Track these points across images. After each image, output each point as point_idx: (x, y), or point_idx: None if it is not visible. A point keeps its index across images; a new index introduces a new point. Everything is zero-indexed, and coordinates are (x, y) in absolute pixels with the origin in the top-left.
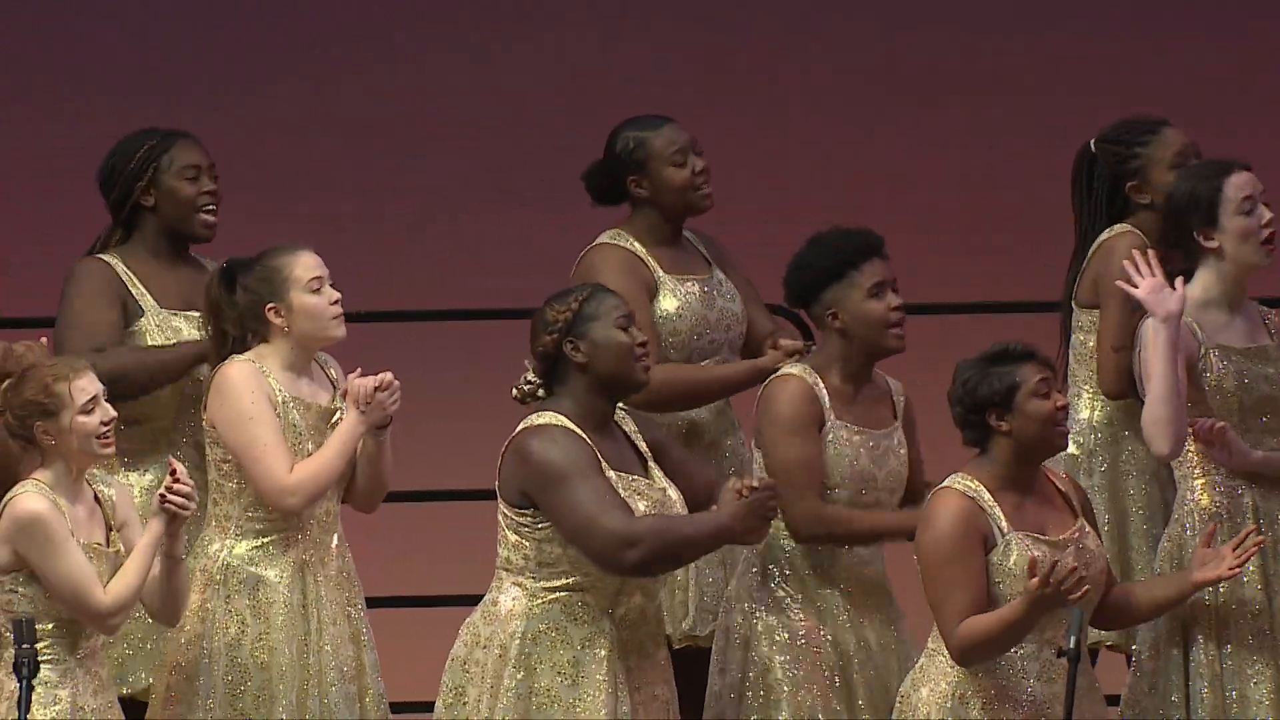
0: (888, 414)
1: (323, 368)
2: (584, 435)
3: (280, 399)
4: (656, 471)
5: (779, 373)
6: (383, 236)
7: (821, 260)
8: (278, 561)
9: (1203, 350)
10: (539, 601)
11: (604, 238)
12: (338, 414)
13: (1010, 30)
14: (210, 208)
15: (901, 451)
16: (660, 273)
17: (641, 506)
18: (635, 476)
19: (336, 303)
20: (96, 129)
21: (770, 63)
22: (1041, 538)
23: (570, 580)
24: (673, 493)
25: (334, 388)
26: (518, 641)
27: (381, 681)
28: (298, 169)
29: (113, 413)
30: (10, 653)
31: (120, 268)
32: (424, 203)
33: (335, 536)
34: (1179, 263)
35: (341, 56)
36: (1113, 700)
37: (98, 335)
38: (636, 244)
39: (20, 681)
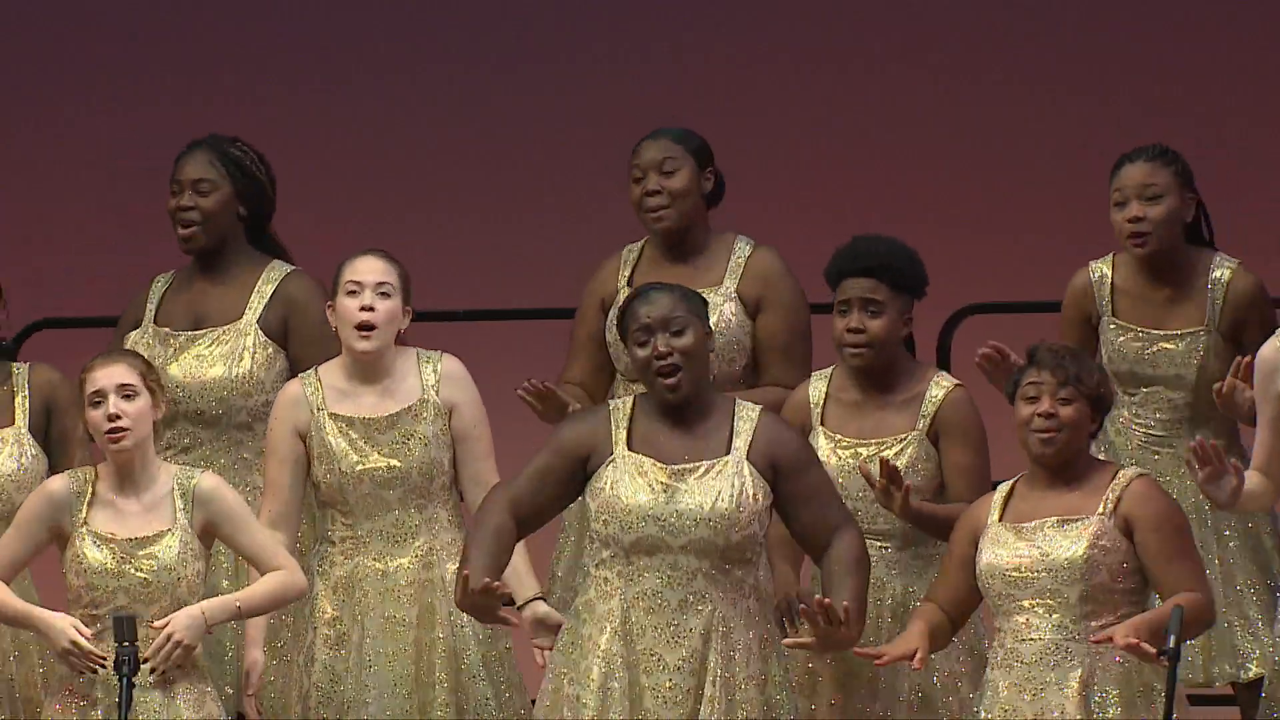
0: (902, 424)
1: (425, 367)
2: (618, 415)
3: (317, 421)
4: (726, 471)
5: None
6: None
7: (826, 273)
8: (327, 574)
9: None
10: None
11: (634, 243)
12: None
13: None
14: (182, 221)
15: (901, 462)
16: (621, 285)
17: (642, 498)
18: (657, 463)
19: (365, 310)
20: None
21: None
22: (1014, 525)
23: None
24: (711, 500)
25: (427, 392)
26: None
27: (484, 685)
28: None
29: (121, 410)
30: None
31: (158, 286)
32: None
33: (420, 546)
34: None
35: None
36: (1211, 700)
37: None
38: (637, 252)
39: (121, 680)
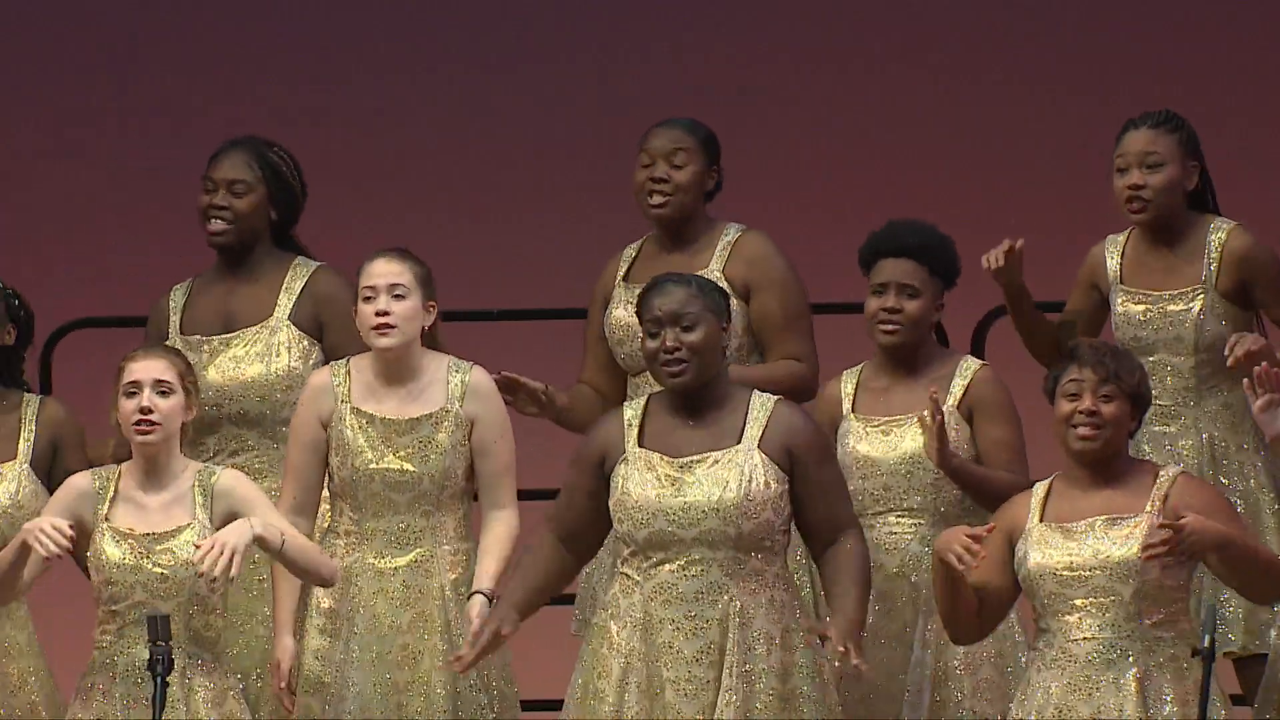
0: (929, 403)
1: (453, 377)
2: (630, 416)
3: (339, 413)
4: (736, 460)
5: None
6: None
7: (860, 253)
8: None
9: None
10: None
11: (636, 241)
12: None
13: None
14: (213, 219)
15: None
16: (619, 280)
17: (651, 493)
18: (665, 457)
19: (381, 314)
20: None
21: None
22: (1059, 526)
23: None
24: (719, 490)
25: (451, 401)
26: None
27: (480, 695)
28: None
29: (154, 404)
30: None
31: (176, 296)
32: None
33: (421, 552)
34: None
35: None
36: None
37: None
38: (636, 249)
39: (155, 679)
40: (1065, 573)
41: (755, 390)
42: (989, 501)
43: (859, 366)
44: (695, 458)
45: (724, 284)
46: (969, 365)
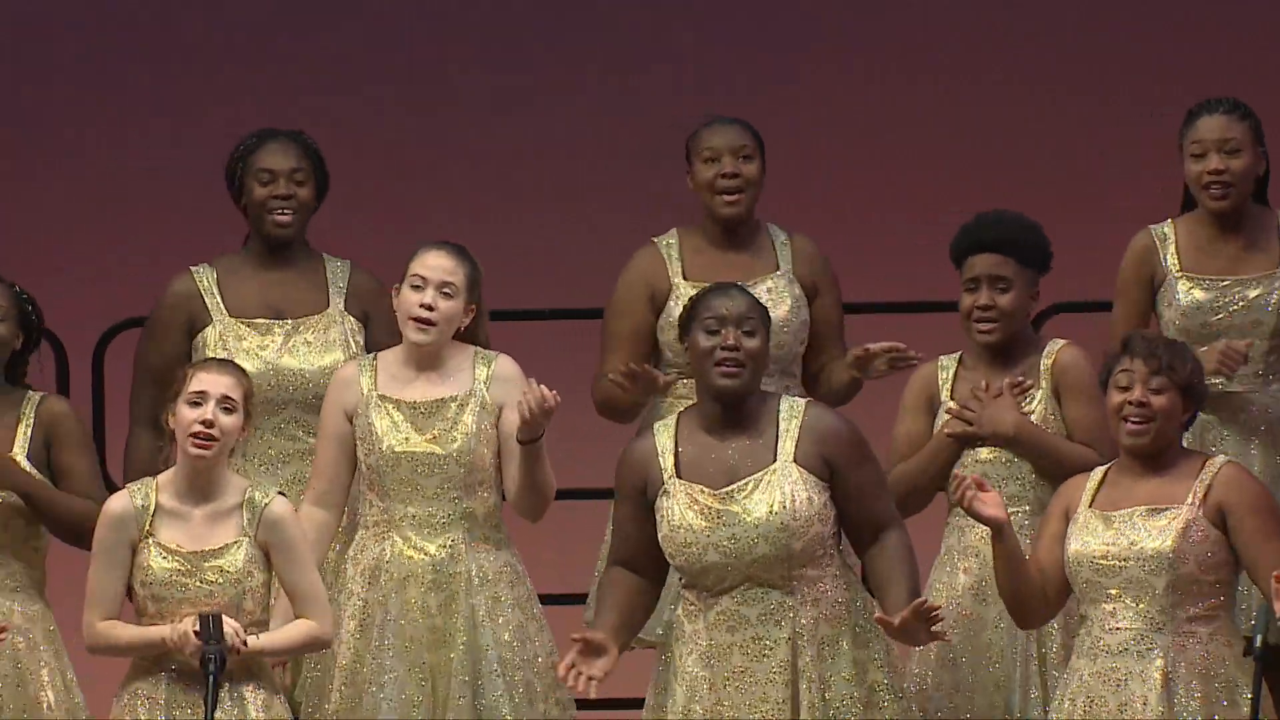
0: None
1: (479, 365)
2: (662, 440)
3: (364, 401)
4: (775, 480)
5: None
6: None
7: (950, 249)
8: (359, 559)
9: None
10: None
11: (660, 236)
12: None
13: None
14: (280, 210)
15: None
16: (678, 279)
17: (698, 528)
18: (705, 489)
19: (425, 307)
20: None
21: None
22: (1103, 513)
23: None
24: (764, 515)
25: (477, 386)
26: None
27: (500, 682)
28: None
29: (216, 419)
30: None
31: (207, 278)
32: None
33: (450, 539)
34: None
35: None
36: None
37: (151, 372)
38: (676, 245)
39: (208, 678)
40: (1101, 561)
41: (783, 397)
42: (1056, 471)
43: (956, 354)
44: (736, 485)
45: (796, 286)
46: (1053, 345)
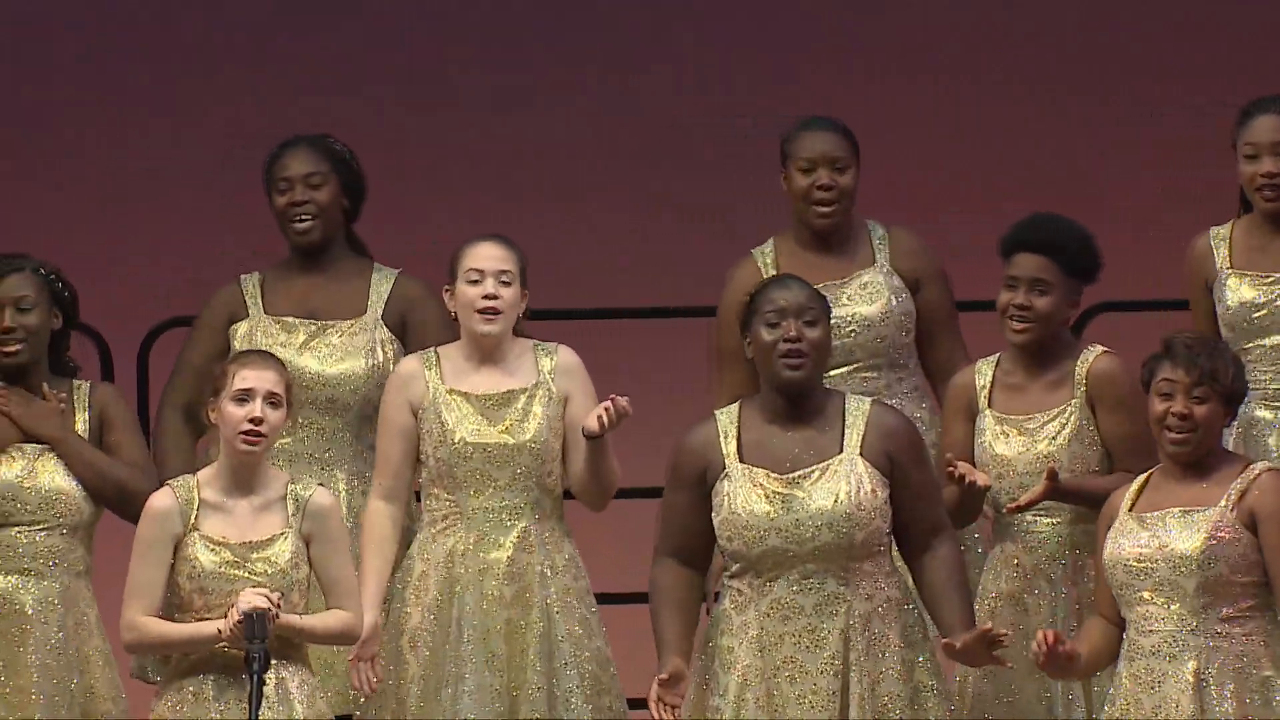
0: (1063, 396)
1: (542, 357)
2: (724, 425)
3: (432, 396)
4: (841, 470)
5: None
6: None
7: (1000, 243)
8: (428, 555)
9: None
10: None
11: (757, 247)
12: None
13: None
14: (298, 217)
15: (1062, 436)
16: None
17: (761, 511)
18: (770, 473)
19: (489, 298)
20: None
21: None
22: (1139, 515)
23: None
24: (830, 503)
25: (543, 377)
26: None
27: (573, 675)
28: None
29: (264, 415)
30: None
31: (252, 283)
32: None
33: (522, 530)
34: None
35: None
36: None
37: (186, 367)
38: (772, 254)
39: (252, 676)
40: (1134, 563)
41: (848, 395)
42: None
43: (995, 357)
44: (802, 471)
45: (895, 278)
46: (1089, 355)
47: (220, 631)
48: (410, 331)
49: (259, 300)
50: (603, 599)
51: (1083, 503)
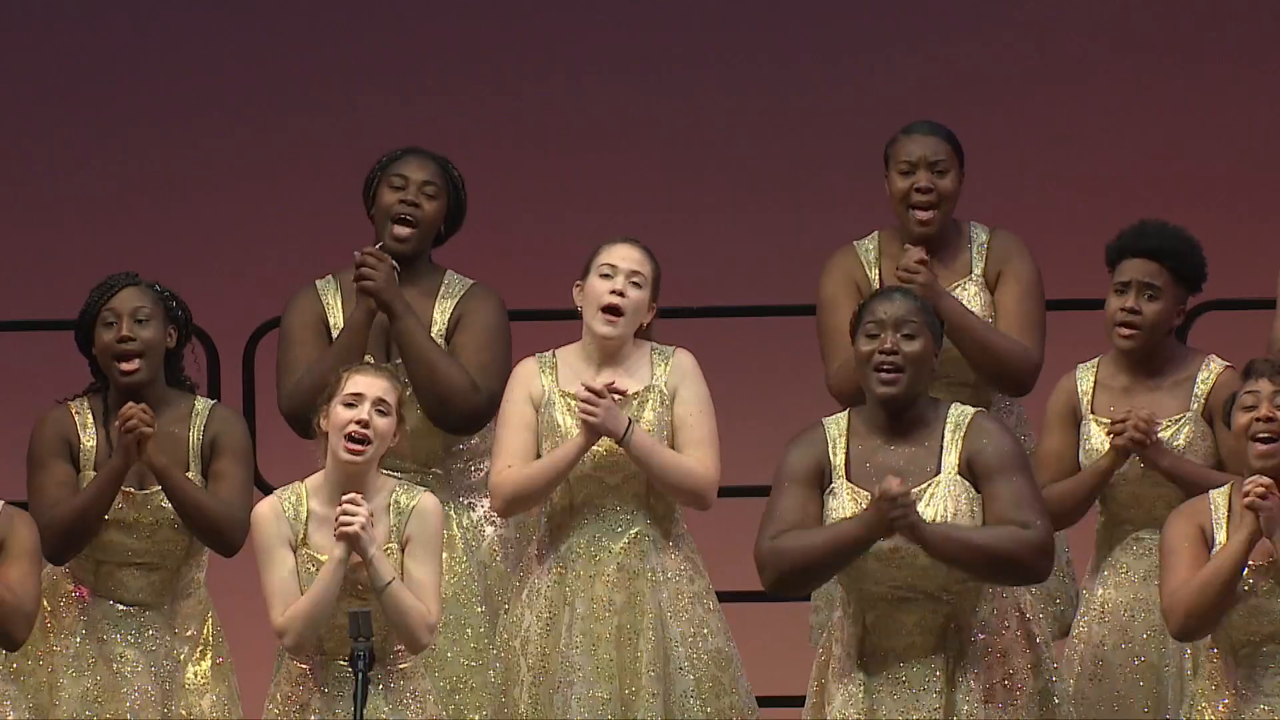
0: (1174, 405)
1: (658, 361)
2: (833, 436)
3: (547, 397)
4: (939, 493)
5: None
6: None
7: (1107, 249)
8: (540, 558)
9: None
10: None
11: (859, 240)
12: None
13: None
14: (404, 217)
15: (1174, 446)
16: (875, 279)
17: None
18: (869, 494)
19: (615, 294)
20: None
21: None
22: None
23: None
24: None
25: (657, 380)
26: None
27: (690, 679)
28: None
29: (371, 420)
30: None
31: (327, 294)
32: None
33: (634, 534)
34: None
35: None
36: None
37: (297, 368)
38: (875, 251)
39: (356, 675)
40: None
41: (953, 405)
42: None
43: (1095, 361)
44: None
45: (987, 292)
46: (1213, 368)
47: (340, 561)
48: (459, 328)
49: (338, 309)
50: (723, 597)
51: (1177, 483)
